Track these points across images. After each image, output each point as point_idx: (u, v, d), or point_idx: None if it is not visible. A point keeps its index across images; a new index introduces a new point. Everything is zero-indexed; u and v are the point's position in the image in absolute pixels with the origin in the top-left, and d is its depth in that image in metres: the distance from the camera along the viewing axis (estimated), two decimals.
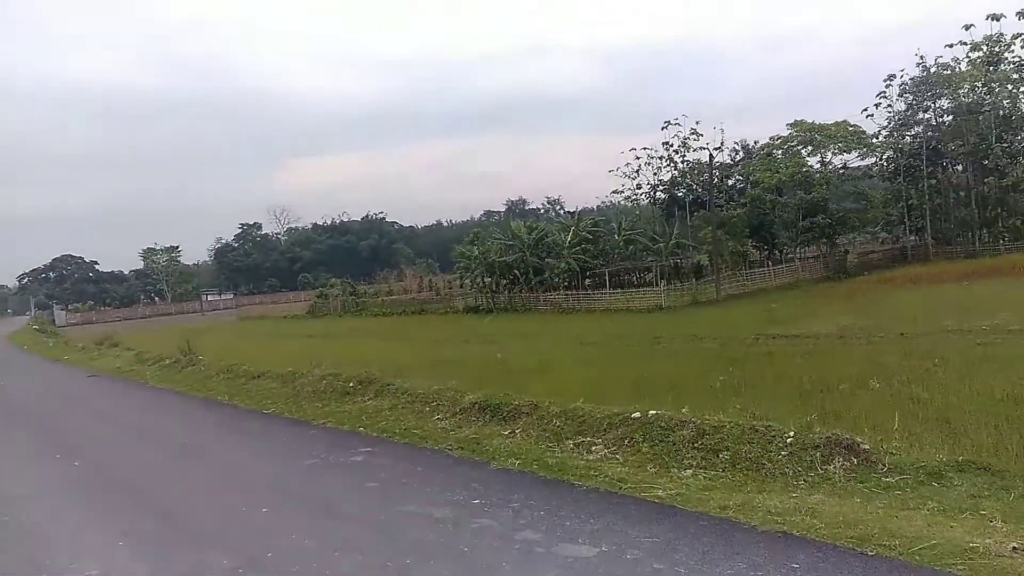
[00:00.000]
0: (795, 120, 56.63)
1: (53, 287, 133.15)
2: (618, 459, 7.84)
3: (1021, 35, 49.98)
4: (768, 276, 46.98)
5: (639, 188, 63.72)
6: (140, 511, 7.53)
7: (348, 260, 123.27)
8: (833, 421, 9.00)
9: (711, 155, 47.36)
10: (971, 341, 18.06)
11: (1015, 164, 50.18)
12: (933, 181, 54.12)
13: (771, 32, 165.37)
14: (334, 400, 13.03)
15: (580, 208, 68.61)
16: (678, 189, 62.09)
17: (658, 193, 64.08)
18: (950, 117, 53.25)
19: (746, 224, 47.85)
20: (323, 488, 7.94)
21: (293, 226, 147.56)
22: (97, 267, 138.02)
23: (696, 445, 7.68)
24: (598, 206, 73.15)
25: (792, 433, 7.42)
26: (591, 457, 8.03)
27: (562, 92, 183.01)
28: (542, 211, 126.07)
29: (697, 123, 59.03)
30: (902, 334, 20.51)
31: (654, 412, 8.42)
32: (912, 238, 55.05)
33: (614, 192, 65.25)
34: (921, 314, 25.19)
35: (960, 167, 55.10)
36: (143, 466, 9.92)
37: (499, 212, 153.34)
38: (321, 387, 13.87)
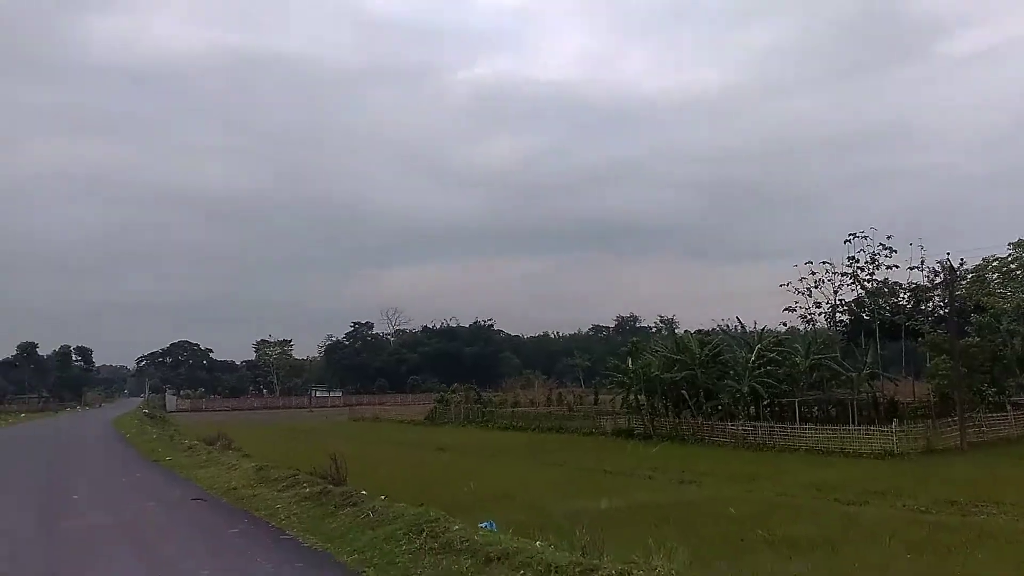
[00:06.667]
0: (1019, 239, 47.49)
1: (168, 371, 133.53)
2: None
3: None
4: (1007, 422, 36.89)
5: (817, 307, 54.71)
6: None
7: (452, 365, 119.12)
8: None
9: (950, 267, 38.58)
10: None
11: None
12: None
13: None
14: None
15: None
16: (864, 311, 53.17)
17: (838, 314, 55.40)
18: None
19: (989, 357, 38.26)
20: None
21: (402, 328, 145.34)
22: (211, 355, 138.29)
23: None
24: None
25: None
26: None
27: (651, 217, 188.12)
28: (654, 329, 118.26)
29: (889, 237, 50.16)
30: None
31: None
32: None
33: (786, 309, 56.25)
34: None
35: None
36: None
37: (607, 327, 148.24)
38: None
